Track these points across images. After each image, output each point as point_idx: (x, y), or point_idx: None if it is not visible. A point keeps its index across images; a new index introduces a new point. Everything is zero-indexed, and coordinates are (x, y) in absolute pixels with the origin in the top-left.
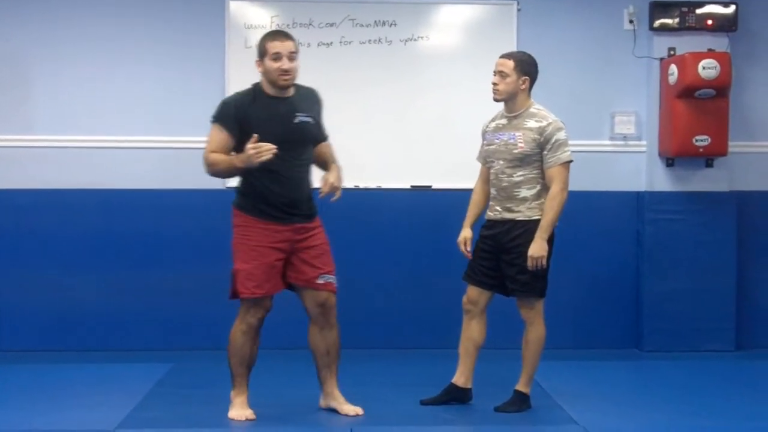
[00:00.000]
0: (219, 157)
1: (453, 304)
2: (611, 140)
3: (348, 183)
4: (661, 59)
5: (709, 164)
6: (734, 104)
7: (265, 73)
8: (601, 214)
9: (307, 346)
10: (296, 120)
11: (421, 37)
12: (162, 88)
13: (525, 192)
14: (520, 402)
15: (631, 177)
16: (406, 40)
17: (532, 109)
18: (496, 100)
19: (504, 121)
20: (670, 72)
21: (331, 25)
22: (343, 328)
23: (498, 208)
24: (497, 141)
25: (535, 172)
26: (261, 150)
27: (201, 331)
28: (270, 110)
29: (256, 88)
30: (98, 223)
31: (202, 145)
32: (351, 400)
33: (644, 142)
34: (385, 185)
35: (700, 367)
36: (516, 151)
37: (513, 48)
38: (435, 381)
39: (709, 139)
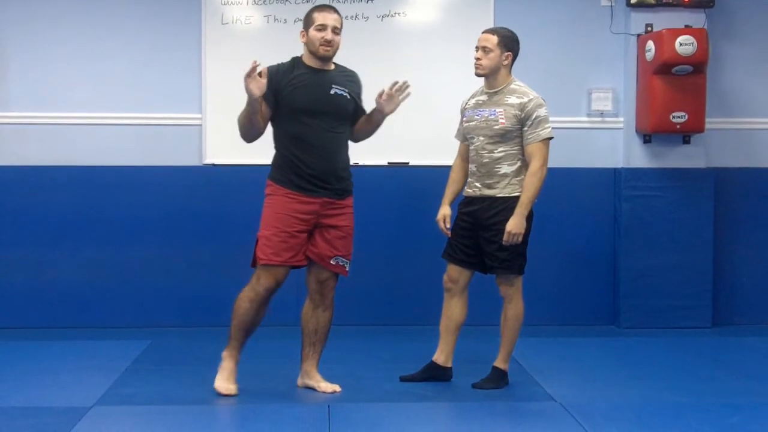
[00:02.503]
0: (240, 115)
1: (431, 282)
2: (588, 117)
3: None
4: (639, 35)
5: (686, 141)
6: (711, 81)
7: (308, 43)
8: (578, 191)
9: (290, 324)
10: (332, 91)
11: (398, 13)
12: (139, 64)
13: (506, 168)
14: (498, 378)
15: (608, 153)
16: (382, 16)
17: (513, 86)
18: (478, 75)
19: (484, 97)
20: (647, 48)
21: (308, 1)
22: None
23: (477, 184)
24: (477, 117)
25: (515, 148)
26: (251, 70)
27: (179, 308)
28: (306, 79)
29: (296, 59)
30: (75, 199)
31: (180, 122)
32: (330, 377)
33: (621, 119)
34: (362, 162)
35: (676, 343)
36: (497, 127)
37: (490, 24)
38: (413, 358)
39: (686, 116)
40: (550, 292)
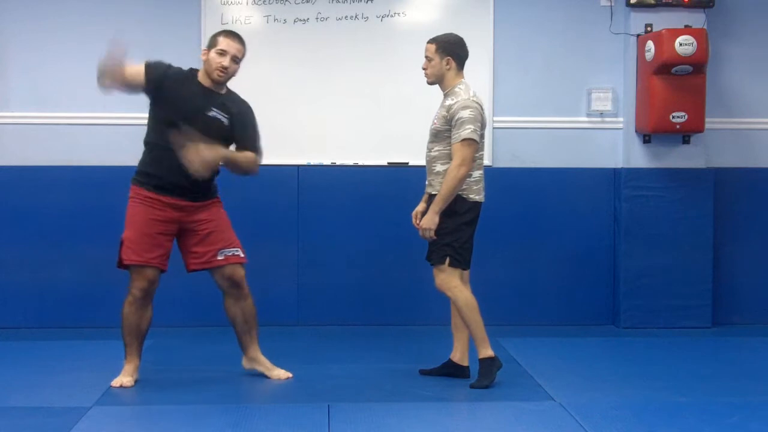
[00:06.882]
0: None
1: (431, 282)
2: (588, 117)
3: (325, 160)
4: (638, 35)
5: (685, 141)
6: (711, 80)
7: (206, 63)
8: (578, 191)
9: (291, 324)
10: (209, 113)
11: (398, 14)
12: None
13: (439, 167)
14: (489, 369)
15: (608, 153)
16: (382, 17)
17: (456, 88)
18: (427, 83)
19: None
20: (647, 48)
21: (308, 1)
22: (323, 305)
23: (426, 182)
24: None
25: (448, 148)
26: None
27: (179, 309)
28: (191, 92)
29: (193, 72)
30: (75, 199)
31: None
32: (330, 376)
33: (621, 119)
34: (362, 162)
35: (676, 343)
36: (432, 127)
37: (490, 24)
38: (413, 358)
39: (686, 116)
40: (550, 292)
